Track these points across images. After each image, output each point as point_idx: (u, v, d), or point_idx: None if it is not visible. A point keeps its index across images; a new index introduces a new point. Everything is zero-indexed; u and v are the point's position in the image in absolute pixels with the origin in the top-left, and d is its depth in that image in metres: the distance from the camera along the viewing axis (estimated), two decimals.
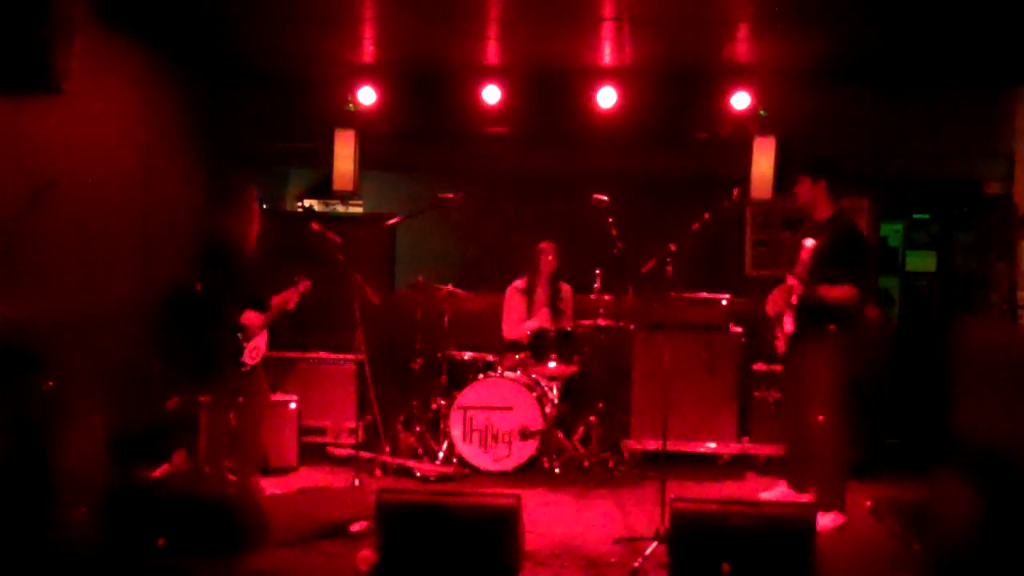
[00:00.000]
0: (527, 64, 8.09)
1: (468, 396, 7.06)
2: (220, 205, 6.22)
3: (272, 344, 6.37)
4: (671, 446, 6.05)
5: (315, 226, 6.66)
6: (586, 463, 7.11)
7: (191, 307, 6.61)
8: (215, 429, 6.27)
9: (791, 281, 5.85)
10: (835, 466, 5.88)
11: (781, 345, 6.08)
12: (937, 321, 10.03)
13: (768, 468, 7.12)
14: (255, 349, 6.06)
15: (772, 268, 8.18)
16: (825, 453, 5.86)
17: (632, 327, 7.52)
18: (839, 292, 5.72)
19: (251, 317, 6.04)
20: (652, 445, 7.23)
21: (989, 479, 5.05)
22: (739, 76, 8.03)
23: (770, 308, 6.12)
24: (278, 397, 7.03)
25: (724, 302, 7.64)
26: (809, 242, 5.82)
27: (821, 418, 5.80)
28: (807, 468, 6.08)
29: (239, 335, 5.98)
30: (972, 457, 6.38)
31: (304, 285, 6.36)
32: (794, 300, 5.87)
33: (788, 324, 5.96)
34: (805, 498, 6.01)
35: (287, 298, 6.26)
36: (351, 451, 6.98)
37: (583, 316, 7.55)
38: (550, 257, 7.75)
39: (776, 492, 6.29)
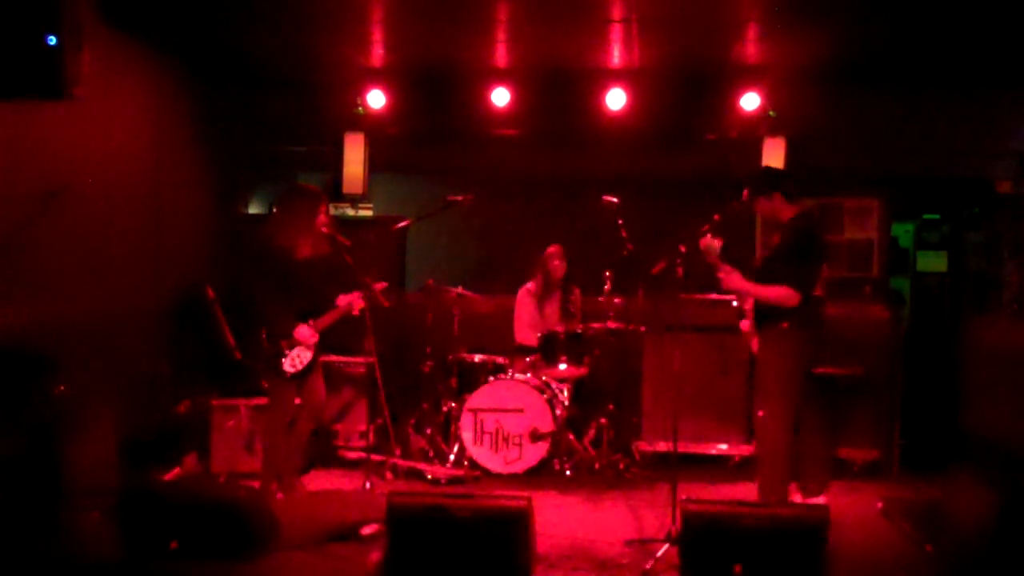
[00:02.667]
0: (536, 66, 8.10)
1: (479, 399, 7.06)
2: (280, 210, 6.18)
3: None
4: (682, 448, 6.04)
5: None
6: (597, 465, 7.10)
7: (202, 310, 6.62)
8: (265, 434, 6.33)
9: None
10: (774, 463, 5.65)
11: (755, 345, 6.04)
12: (948, 321, 10.02)
13: None
14: (297, 358, 6.02)
15: None
16: (764, 449, 5.73)
17: (642, 329, 7.51)
18: (769, 292, 5.60)
19: (303, 333, 5.98)
20: (663, 447, 7.21)
21: (1002, 479, 5.04)
22: (748, 77, 8.03)
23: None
24: None
25: (735, 303, 7.62)
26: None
27: (761, 413, 5.69)
28: (812, 468, 6.05)
29: (283, 343, 5.97)
30: (984, 457, 6.37)
31: (367, 292, 6.32)
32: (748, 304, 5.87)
33: (743, 326, 5.96)
34: (814, 500, 6.00)
35: (352, 301, 6.20)
36: (362, 454, 6.98)
37: (593, 318, 7.54)
38: (556, 261, 7.74)
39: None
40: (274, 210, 6.23)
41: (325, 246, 6.14)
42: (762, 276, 5.70)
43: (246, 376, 6.66)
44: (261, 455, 6.34)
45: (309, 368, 6.06)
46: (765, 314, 5.69)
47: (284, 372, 5.97)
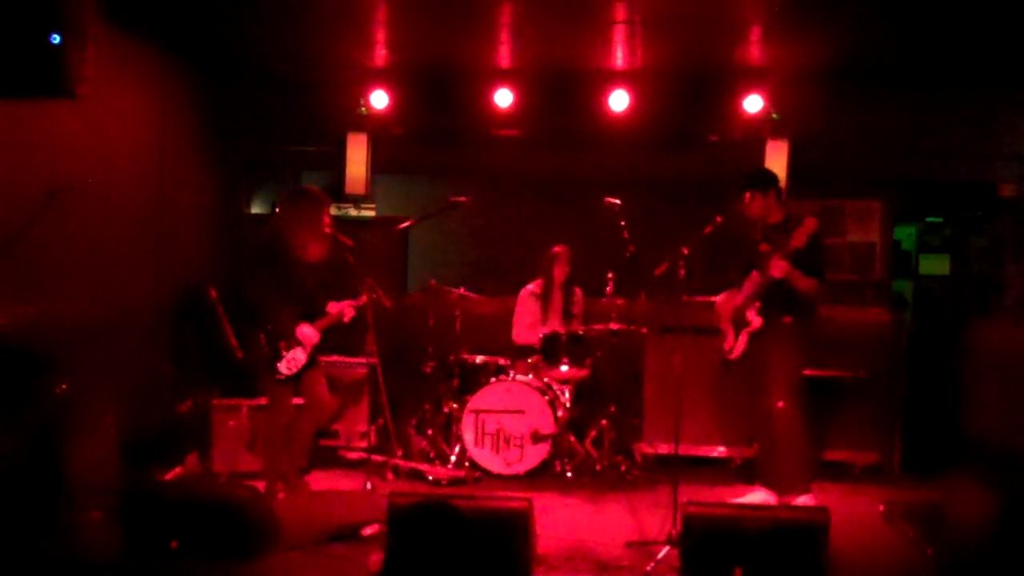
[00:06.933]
0: (539, 67, 8.10)
1: (480, 400, 7.06)
2: (284, 210, 6.20)
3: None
4: (683, 450, 6.04)
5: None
6: (598, 467, 7.09)
7: (204, 310, 6.62)
8: (264, 435, 6.37)
9: (756, 279, 6.05)
10: (800, 449, 6.03)
11: (739, 348, 6.21)
12: (950, 324, 10.01)
13: None
14: (293, 360, 6.05)
15: None
16: (788, 437, 5.98)
17: (644, 331, 7.50)
18: (808, 282, 5.90)
19: (305, 332, 6.04)
20: (664, 449, 7.21)
21: (1003, 482, 5.03)
22: (751, 79, 8.03)
23: (724, 308, 6.35)
24: None
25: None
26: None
27: (781, 404, 5.95)
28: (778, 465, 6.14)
29: (281, 344, 6.01)
30: (985, 460, 6.36)
31: (361, 300, 6.37)
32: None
33: (754, 321, 6.07)
34: (785, 500, 6.00)
35: (343, 309, 6.26)
36: (363, 455, 6.99)
37: (595, 320, 7.53)
38: (562, 262, 7.71)
39: (755, 497, 6.22)
40: (278, 211, 6.25)
41: (326, 250, 6.16)
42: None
43: (247, 376, 6.67)
44: (263, 458, 6.38)
45: (305, 369, 6.11)
46: (772, 310, 6.00)
47: (279, 373, 6.01)
